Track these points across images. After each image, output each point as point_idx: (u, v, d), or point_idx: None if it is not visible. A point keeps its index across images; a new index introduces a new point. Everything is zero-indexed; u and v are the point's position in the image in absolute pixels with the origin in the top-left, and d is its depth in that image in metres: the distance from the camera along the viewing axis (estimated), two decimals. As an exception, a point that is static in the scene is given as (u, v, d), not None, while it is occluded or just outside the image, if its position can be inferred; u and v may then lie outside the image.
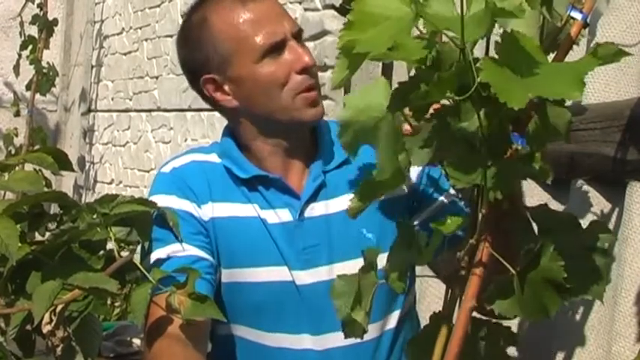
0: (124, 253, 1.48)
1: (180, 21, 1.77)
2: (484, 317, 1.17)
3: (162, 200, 1.57)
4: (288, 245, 1.58)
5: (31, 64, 5.31)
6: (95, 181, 5.48)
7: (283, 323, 1.59)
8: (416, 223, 1.57)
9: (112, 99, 5.29)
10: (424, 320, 1.22)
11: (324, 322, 1.56)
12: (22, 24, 5.32)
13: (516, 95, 0.95)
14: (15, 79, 5.46)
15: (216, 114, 1.98)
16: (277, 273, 1.58)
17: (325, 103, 1.68)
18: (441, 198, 1.60)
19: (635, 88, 1.54)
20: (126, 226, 1.50)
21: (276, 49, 1.55)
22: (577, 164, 1.62)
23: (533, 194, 1.71)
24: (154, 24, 4.73)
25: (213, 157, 1.64)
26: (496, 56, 1.01)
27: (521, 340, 1.62)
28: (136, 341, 2.78)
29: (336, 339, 1.50)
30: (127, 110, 5.08)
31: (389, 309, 1.62)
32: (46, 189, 1.70)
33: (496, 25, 1.02)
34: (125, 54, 5.13)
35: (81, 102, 5.70)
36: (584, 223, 1.21)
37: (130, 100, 5.03)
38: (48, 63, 5.36)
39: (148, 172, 4.70)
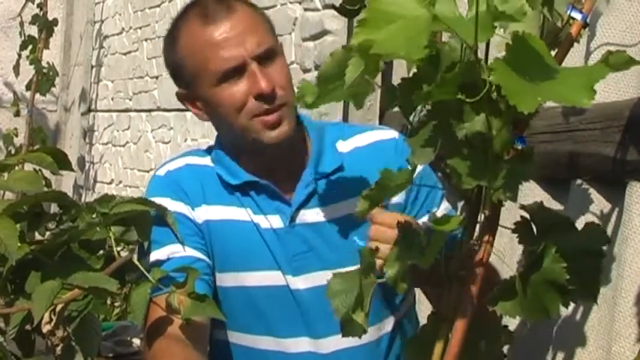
0: (124, 253, 1.48)
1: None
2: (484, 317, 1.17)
3: (157, 202, 1.56)
4: (279, 251, 1.57)
5: (31, 64, 5.31)
6: (95, 181, 5.48)
7: (279, 327, 1.58)
8: None
9: (112, 99, 5.29)
10: (424, 321, 1.22)
11: (322, 326, 1.55)
12: (22, 24, 5.32)
13: (526, 99, 0.94)
14: (15, 79, 5.46)
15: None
16: (272, 277, 1.58)
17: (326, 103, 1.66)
18: (434, 210, 1.59)
19: (635, 88, 1.54)
20: (126, 226, 1.50)
21: (235, 73, 1.53)
22: (577, 164, 1.61)
23: (534, 194, 1.71)
24: (153, 24, 4.73)
25: (208, 161, 1.64)
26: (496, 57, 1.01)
27: (522, 340, 1.63)
28: (136, 341, 2.77)
29: (338, 342, 1.50)
30: (126, 110, 5.08)
31: (388, 310, 1.61)
32: (45, 189, 1.70)
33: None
34: (125, 54, 5.13)
35: (81, 102, 5.70)
36: (585, 223, 1.21)
37: (130, 100, 5.03)
38: (48, 63, 5.36)
39: (148, 172, 4.70)
